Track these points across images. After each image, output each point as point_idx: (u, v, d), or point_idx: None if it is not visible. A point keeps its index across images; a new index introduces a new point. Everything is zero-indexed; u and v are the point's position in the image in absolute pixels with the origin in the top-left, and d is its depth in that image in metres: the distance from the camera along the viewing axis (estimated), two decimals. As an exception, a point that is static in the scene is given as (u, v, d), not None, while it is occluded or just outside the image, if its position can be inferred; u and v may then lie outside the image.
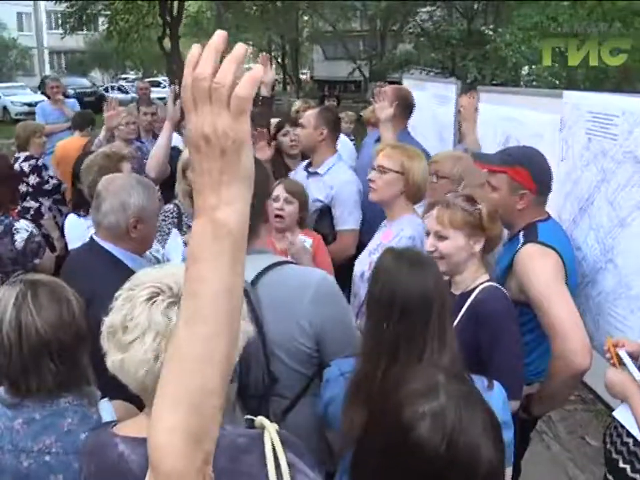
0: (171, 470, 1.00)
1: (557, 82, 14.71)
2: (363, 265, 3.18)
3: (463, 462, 1.30)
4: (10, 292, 1.93)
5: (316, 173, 4.15)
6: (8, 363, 1.89)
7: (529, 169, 2.82)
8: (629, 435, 2.30)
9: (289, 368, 2.23)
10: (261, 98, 4.76)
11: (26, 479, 1.82)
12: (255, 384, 2.17)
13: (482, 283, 2.54)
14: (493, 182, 2.88)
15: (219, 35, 1.00)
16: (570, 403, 4.97)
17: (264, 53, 5.45)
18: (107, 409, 1.94)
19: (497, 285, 2.55)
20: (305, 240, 3.36)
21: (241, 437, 1.48)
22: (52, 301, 1.93)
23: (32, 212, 5.84)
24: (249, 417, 1.59)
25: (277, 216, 3.46)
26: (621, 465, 2.34)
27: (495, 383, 2.13)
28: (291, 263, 2.38)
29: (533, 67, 16.42)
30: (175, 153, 4.37)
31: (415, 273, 2.09)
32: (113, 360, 1.47)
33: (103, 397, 2.00)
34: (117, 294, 1.52)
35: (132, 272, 1.64)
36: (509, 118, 4.00)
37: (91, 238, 2.86)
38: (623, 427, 2.33)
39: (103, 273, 2.59)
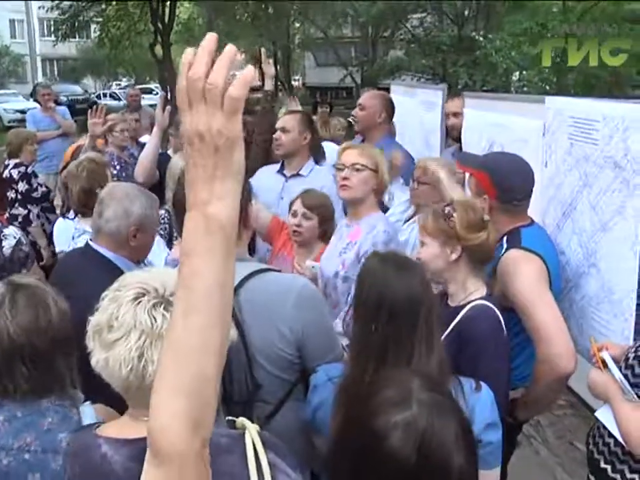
0: (172, 451, 1.06)
1: (548, 87, 14.78)
2: (335, 265, 3.15)
3: (434, 470, 1.32)
4: None
5: (298, 175, 4.16)
6: None
7: (490, 175, 2.85)
8: (610, 435, 2.33)
9: (271, 374, 2.23)
10: (263, 108, 4.84)
11: (5, 477, 1.83)
12: (238, 390, 2.18)
13: (476, 299, 2.51)
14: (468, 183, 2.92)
15: (210, 37, 1.05)
16: (559, 407, 4.98)
17: (262, 49, 5.43)
18: (88, 412, 1.95)
19: (489, 303, 2.50)
20: (314, 265, 3.32)
21: (223, 437, 1.50)
22: (28, 305, 1.95)
23: (20, 219, 5.85)
24: (231, 418, 1.61)
25: (294, 231, 3.45)
26: (602, 465, 2.37)
27: (483, 384, 2.14)
28: (274, 270, 2.37)
29: (524, 72, 16.52)
30: (163, 158, 4.39)
31: (401, 276, 2.10)
32: (97, 358, 1.49)
33: (86, 400, 2.01)
34: (103, 294, 1.55)
35: None
36: (494, 124, 4.02)
37: (87, 243, 2.89)
38: (604, 427, 2.35)
39: (95, 275, 2.59)
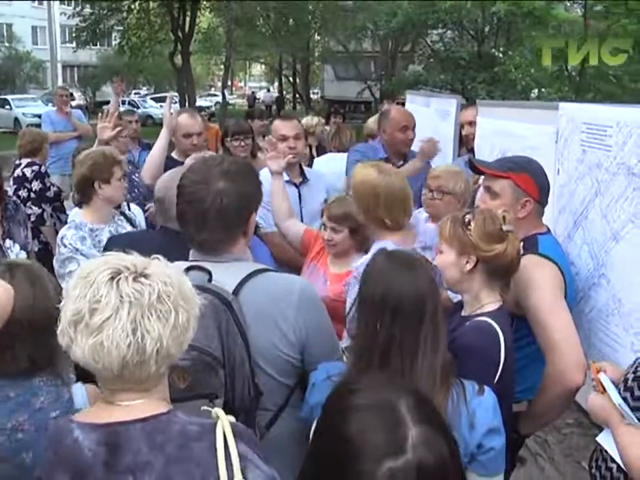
0: None
1: (566, 105, 14.70)
2: None
3: None
4: None
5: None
6: None
7: (532, 177, 2.76)
8: (613, 460, 2.22)
9: (272, 378, 2.15)
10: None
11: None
12: (240, 398, 2.09)
13: (483, 313, 2.39)
14: (495, 188, 2.78)
15: None
16: (566, 426, 4.89)
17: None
18: (79, 392, 1.99)
19: (491, 320, 2.33)
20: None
21: (193, 424, 1.49)
22: (26, 282, 2.03)
23: (33, 217, 5.81)
24: (206, 408, 1.58)
25: (327, 242, 3.37)
26: None
27: (486, 387, 2.07)
28: (271, 270, 2.30)
29: (542, 90, 16.43)
30: (169, 162, 4.31)
31: (407, 274, 2.06)
32: (82, 347, 1.42)
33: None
34: (66, 286, 1.50)
35: None
36: (506, 132, 3.96)
37: None
38: (607, 451, 2.25)
39: None
